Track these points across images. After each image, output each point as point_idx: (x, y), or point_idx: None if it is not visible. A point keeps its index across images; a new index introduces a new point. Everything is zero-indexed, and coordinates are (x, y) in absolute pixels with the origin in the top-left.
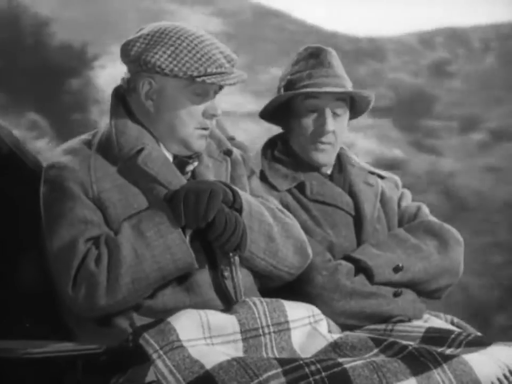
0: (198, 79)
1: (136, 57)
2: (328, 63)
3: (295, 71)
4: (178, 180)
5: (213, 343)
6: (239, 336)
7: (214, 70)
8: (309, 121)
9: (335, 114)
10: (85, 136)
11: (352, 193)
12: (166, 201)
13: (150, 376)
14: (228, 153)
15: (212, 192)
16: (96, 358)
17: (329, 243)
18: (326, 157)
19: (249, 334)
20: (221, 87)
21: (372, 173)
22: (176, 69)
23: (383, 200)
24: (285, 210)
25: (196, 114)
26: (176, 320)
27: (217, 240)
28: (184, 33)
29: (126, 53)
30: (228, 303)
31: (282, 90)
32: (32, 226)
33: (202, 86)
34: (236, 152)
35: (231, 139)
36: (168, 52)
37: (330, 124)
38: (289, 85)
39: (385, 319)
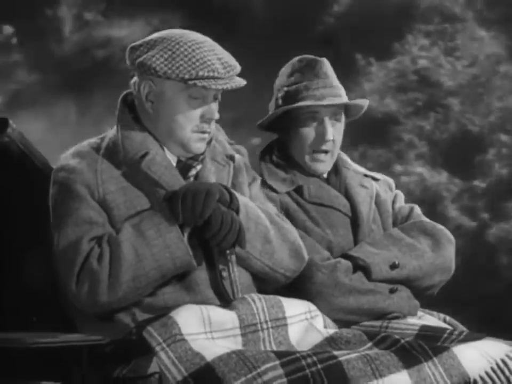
0: (190, 82)
1: (138, 61)
2: (324, 73)
3: (291, 83)
4: (180, 184)
5: (213, 337)
6: (238, 331)
7: (206, 74)
8: (308, 131)
9: (333, 122)
10: (93, 140)
11: (348, 196)
12: (165, 201)
13: (153, 368)
14: (231, 158)
15: (208, 191)
16: (101, 349)
17: (328, 242)
18: (323, 167)
19: (248, 329)
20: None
21: (366, 176)
22: (169, 71)
23: (378, 202)
24: (283, 216)
25: (192, 118)
26: (178, 315)
27: (213, 238)
28: (185, 39)
29: (130, 57)
30: (226, 302)
31: (280, 101)
32: (40, 224)
33: (199, 90)
34: (239, 159)
35: (230, 143)
36: (165, 56)
37: (330, 133)
38: (287, 96)
39: (382, 315)
